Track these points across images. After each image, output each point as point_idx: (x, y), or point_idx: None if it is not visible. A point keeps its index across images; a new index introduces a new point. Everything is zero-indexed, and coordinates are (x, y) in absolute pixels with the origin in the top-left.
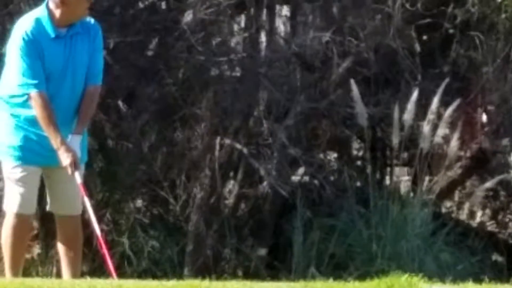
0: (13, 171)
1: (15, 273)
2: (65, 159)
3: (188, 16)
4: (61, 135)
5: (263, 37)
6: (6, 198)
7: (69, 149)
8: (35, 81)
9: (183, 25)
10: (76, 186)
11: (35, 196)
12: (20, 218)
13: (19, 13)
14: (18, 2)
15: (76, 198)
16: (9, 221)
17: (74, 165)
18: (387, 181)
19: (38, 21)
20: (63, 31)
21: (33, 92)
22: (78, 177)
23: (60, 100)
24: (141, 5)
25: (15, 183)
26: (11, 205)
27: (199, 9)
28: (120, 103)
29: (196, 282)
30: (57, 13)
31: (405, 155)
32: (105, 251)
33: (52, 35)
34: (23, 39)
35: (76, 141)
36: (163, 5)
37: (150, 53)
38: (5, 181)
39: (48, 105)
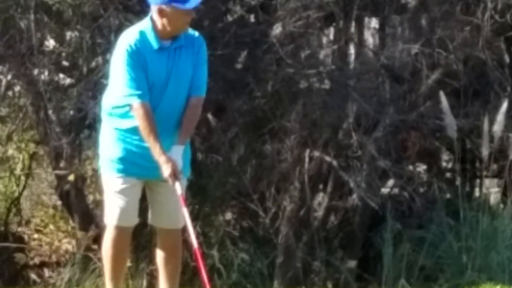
0: (114, 183)
1: (115, 286)
2: (165, 169)
3: (277, 29)
4: (161, 145)
5: (352, 49)
6: (106, 210)
7: (169, 160)
8: (138, 92)
9: (272, 37)
10: (178, 199)
11: (136, 209)
12: (121, 231)
13: (108, 27)
14: (108, 16)
15: (178, 211)
16: (109, 233)
17: (175, 175)
18: (477, 192)
19: (142, 33)
20: (167, 43)
21: (136, 103)
22: (178, 188)
23: (161, 112)
24: (229, 18)
25: (116, 196)
26: (112, 218)
27: (288, 21)
28: (209, 116)
29: None
30: (159, 24)
31: (495, 166)
32: (201, 264)
33: (156, 46)
34: (127, 50)
35: (178, 151)
36: (252, 18)
37: (239, 66)
38: (105, 193)
39: (150, 115)
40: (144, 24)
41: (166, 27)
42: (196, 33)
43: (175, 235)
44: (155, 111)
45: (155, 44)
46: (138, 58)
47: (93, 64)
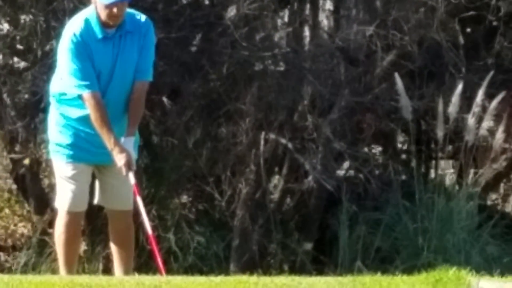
0: (64, 169)
1: (69, 270)
2: (119, 160)
3: (231, 11)
4: (114, 136)
5: (306, 32)
6: (57, 196)
7: (123, 150)
8: (87, 82)
9: (227, 20)
10: (128, 181)
11: (86, 194)
12: (72, 215)
13: (63, 10)
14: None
15: (128, 193)
16: (61, 219)
17: (128, 166)
18: (432, 174)
19: (87, 22)
20: (111, 31)
21: (86, 93)
22: (132, 178)
23: (109, 99)
24: (184, 1)
25: (66, 181)
26: (63, 203)
27: (243, 4)
28: (164, 99)
29: (245, 277)
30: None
31: (450, 148)
32: (156, 251)
33: (100, 36)
34: (72, 41)
35: (130, 142)
36: (206, 1)
37: (194, 49)
38: (56, 178)
39: (101, 105)
40: (89, 11)
41: (101, 17)
42: (143, 17)
43: (126, 217)
44: (104, 99)
45: (99, 33)
46: (84, 48)
47: (48, 47)
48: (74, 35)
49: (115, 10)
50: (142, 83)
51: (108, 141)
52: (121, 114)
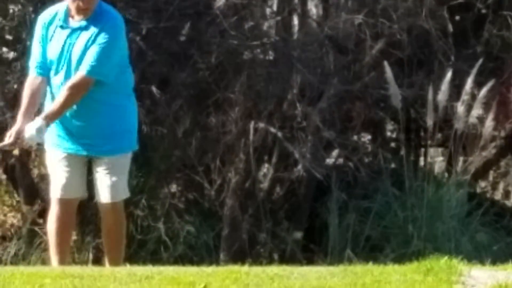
0: (51, 156)
1: (61, 260)
2: (8, 137)
3: (220, 1)
4: (21, 119)
5: (295, 20)
6: (51, 184)
7: (17, 130)
8: (31, 65)
9: (215, 9)
10: (117, 173)
11: (77, 182)
12: (63, 203)
13: (52, 0)
14: None
15: (115, 186)
16: (53, 207)
17: (16, 138)
18: (422, 162)
19: (57, 10)
20: (76, 23)
21: (29, 75)
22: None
23: (57, 86)
24: None
25: (54, 168)
26: (54, 191)
27: None
28: (153, 88)
29: (236, 267)
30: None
31: (439, 136)
32: None
33: (61, 24)
34: (36, 25)
35: (35, 124)
36: None
37: (182, 38)
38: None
39: (29, 87)
40: (63, 3)
41: (71, 9)
42: (114, 16)
43: (112, 209)
44: (53, 86)
45: (62, 22)
46: (41, 32)
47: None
48: (39, 20)
49: (81, 3)
50: (79, 74)
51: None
52: None
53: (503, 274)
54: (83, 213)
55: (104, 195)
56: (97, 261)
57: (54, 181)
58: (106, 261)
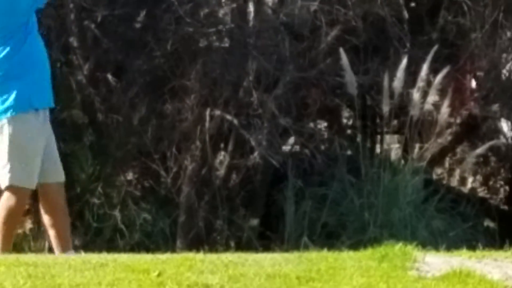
0: None
1: (6, 249)
2: None
3: None
4: None
5: (251, 7)
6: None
7: None
8: None
9: None
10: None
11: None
12: (14, 192)
13: None
14: None
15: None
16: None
17: None
18: (378, 149)
19: None
20: None
21: None
22: None
23: None
24: None
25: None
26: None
27: None
28: (109, 76)
29: (191, 255)
30: None
31: (395, 122)
32: None
33: None
34: None
35: None
36: None
37: (138, 25)
38: None
39: None
40: None
41: None
42: None
43: (54, 189)
44: None
45: None
46: None
47: None
48: None
49: None
50: None
51: None
52: None
53: (457, 260)
54: (39, 201)
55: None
56: (53, 249)
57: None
58: (55, 246)
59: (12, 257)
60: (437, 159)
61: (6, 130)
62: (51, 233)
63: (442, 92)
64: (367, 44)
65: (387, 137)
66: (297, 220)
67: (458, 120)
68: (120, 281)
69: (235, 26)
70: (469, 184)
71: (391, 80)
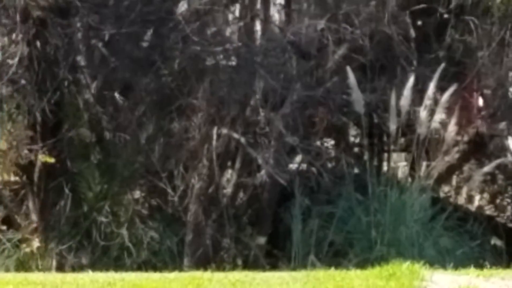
0: None
1: None
2: None
3: (182, 6)
4: None
5: (258, 26)
6: None
7: None
8: None
9: (178, 15)
10: None
11: None
12: None
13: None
14: None
15: None
16: None
17: None
18: (385, 167)
19: None
20: None
21: None
22: None
23: None
24: None
25: None
26: None
27: None
28: (116, 95)
29: (198, 273)
30: None
31: (402, 141)
32: None
33: None
34: None
35: None
36: None
37: (145, 44)
38: None
39: None
40: None
41: None
42: None
43: None
44: None
45: None
46: None
47: None
48: None
49: None
50: None
51: None
52: None
53: (465, 279)
54: (46, 219)
55: None
56: (60, 268)
57: None
58: None
59: (20, 276)
60: (444, 177)
61: None
62: None
63: (449, 110)
64: (374, 62)
65: (394, 155)
66: (304, 239)
67: (465, 138)
68: None
69: (242, 45)
70: (476, 202)
71: (398, 98)
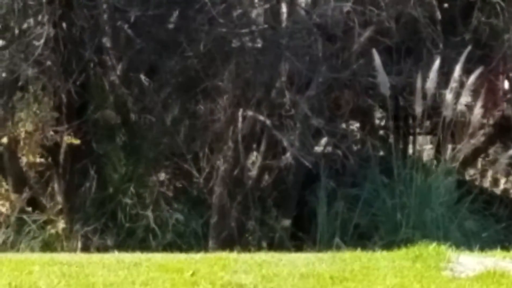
0: None
1: None
2: None
3: None
4: None
5: (284, 8)
6: None
7: None
8: None
9: None
10: None
11: None
12: None
13: None
14: None
15: None
16: None
17: None
18: (411, 150)
19: None
20: None
21: None
22: None
23: None
24: None
25: None
26: None
27: None
28: (142, 76)
29: (224, 254)
30: None
31: (428, 123)
32: None
33: None
34: None
35: None
36: None
37: (171, 26)
38: None
39: None
40: None
41: None
42: None
43: None
44: None
45: None
46: None
47: (25, 25)
48: None
49: None
50: None
51: None
52: None
53: (491, 261)
54: (72, 201)
55: None
56: (86, 249)
57: None
58: None
59: (46, 256)
60: (469, 160)
61: None
62: None
63: (475, 93)
64: (400, 45)
65: (420, 138)
66: (329, 221)
67: (491, 121)
68: (154, 281)
69: (268, 27)
70: (501, 185)
71: (424, 81)
